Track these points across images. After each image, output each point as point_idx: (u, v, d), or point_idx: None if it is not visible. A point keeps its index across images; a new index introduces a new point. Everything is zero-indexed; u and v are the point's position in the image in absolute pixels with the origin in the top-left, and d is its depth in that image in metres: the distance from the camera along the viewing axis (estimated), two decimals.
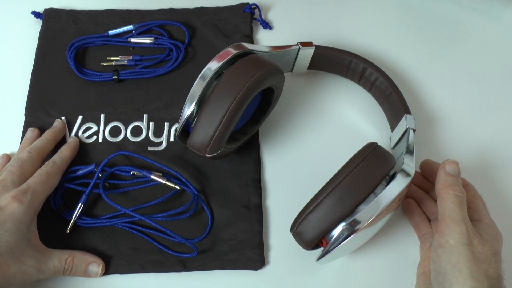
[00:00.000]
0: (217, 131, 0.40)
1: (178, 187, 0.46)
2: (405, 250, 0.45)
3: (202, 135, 0.41)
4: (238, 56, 0.43)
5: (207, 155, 0.42)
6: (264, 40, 0.56)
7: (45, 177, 0.42)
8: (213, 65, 0.42)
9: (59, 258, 0.42)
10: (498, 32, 0.57)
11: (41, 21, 0.56)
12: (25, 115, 0.51)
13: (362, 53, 0.51)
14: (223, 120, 0.40)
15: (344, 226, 0.37)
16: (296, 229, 0.39)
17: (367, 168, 0.38)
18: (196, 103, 0.41)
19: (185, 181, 0.47)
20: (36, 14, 0.56)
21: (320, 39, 0.52)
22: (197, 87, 0.41)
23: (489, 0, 0.59)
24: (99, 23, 0.56)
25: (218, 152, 0.42)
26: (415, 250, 0.45)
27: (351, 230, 0.37)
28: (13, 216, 0.39)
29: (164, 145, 0.50)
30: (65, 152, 0.46)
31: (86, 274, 0.43)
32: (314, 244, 0.39)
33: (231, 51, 0.43)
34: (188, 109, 0.41)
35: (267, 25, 0.57)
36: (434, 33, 0.57)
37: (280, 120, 0.51)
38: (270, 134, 0.51)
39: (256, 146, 0.50)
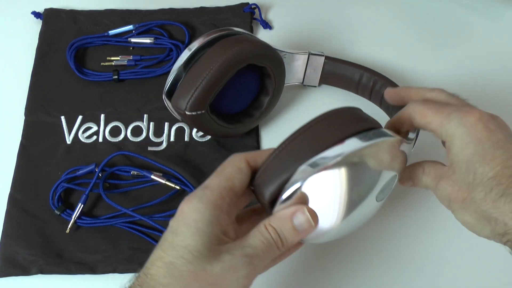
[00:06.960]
0: (198, 88, 0.41)
1: (178, 187, 0.46)
2: (404, 245, 0.45)
3: (184, 92, 0.42)
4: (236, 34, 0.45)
5: (187, 113, 0.42)
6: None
7: None
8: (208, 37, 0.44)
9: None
10: (498, 31, 0.57)
11: (41, 21, 0.56)
12: (25, 115, 0.51)
13: (361, 53, 0.51)
14: (205, 78, 0.41)
15: (304, 167, 0.32)
16: (255, 181, 0.34)
17: (340, 120, 0.33)
18: (182, 65, 0.43)
19: (185, 181, 0.47)
20: (36, 14, 0.56)
21: (319, 39, 0.52)
22: (185, 55, 0.43)
23: (489, 0, 0.59)
24: (99, 23, 0.56)
25: (200, 112, 0.42)
26: (412, 243, 0.45)
27: (312, 172, 0.31)
28: None
29: (164, 145, 0.50)
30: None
31: (297, 231, 0.32)
32: (275, 196, 0.33)
33: (233, 29, 0.45)
34: (177, 67, 0.43)
35: (267, 25, 0.57)
36: (434, 34, 0.57)
37: (280, 120, 0.51)
38: (270, 134, 0.51)
39: (256, 146, 0.50)
